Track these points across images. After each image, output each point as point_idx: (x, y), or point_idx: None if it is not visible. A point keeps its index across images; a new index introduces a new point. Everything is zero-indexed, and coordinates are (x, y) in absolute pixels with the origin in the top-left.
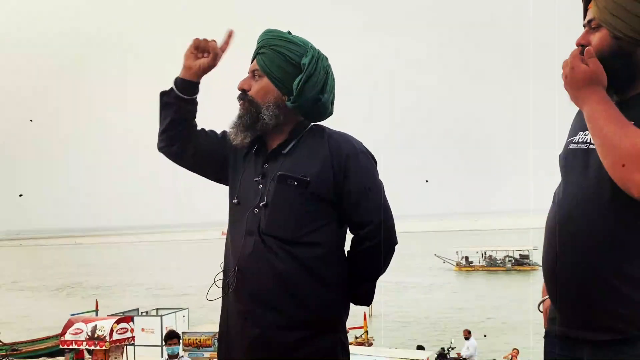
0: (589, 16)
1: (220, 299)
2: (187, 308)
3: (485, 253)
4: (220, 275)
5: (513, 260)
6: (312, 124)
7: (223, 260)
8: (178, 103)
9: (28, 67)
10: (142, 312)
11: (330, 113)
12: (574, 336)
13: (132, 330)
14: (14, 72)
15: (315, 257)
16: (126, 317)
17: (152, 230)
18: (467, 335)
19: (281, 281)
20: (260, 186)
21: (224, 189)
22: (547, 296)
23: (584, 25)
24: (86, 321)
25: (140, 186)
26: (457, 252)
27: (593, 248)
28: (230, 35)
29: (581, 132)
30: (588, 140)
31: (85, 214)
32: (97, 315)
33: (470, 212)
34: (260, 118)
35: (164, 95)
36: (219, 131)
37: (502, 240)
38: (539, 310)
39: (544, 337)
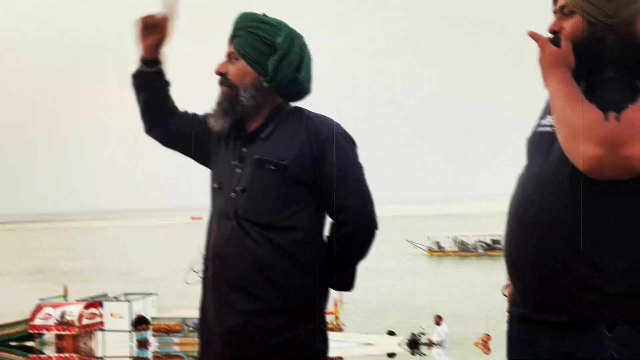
0: (561, 2)
1: (201, 285)
2: (157, 294)
3: (456, 238)
4: (198, 260)
5: (485, 245)
6: (292, 106)
7: (204, 244)
8: (146, 81)
9: (25, 61)
10: (111, 297)
11: (308, 91)
12: (535, 319)
13: (101, 316)
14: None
15: (293, 241)
16: (95, 302)
17: (124, 215)
18: (439, 320)
19: (258, 267)
20: (238, 170)
21: (193, 173)
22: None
23: (555, 12)
24: (55, 306)
25: (111, 170)
26: (428, 237)
27: (551, 230)
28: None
29: (549, 116)
30: (553, 124)
31: (59, 198)
32: (66, 300)
33: (446, 197)
34: (239, 100)
35: (133, 77)
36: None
37: (477, 226)
38: (503, 294)
39: (507, 321)
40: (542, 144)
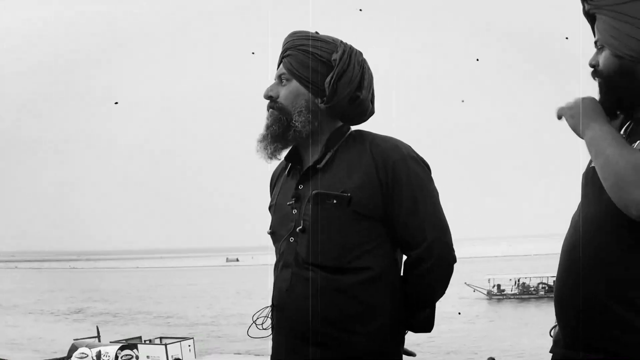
0: (595, 37)
1: (272, 335)
2: (193, 338)
3: (518, 280)
4: (262, 312)
5: (546, 287)
6: (353, 130)
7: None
8: None
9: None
10: (145, 340)
11: (372, 112)
12: (574, 357)
13: (137, 358)
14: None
15: (365, 284)
16: (130, 344)
17: (149, 255)
18: None
19: (327, 315)
20: (295, 211)
21: (228, 213)
22: None
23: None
24: (90, 346)
25: (131, 210)
26: (488, 279)
27: (595, 271)
28: None
29: None
30: None
31: (77, 236)
32: (99, 341)
33: (503, 236)
34: (292, 125)
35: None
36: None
37: (539, 266)
38: (550, 335)
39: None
40: (594, 181)
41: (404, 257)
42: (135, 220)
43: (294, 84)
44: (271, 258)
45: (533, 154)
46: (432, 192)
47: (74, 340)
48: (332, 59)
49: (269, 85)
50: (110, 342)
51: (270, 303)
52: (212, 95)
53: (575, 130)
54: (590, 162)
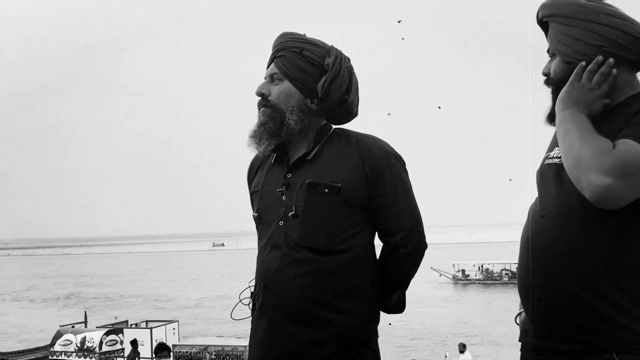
0: (548, 46)
1: (252, 317)
2: (177, 321)
3: (482, 266)
4: (246, 292)
5: (510, 274)
6: (335, 127)
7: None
8: None
9: (24, 75)
10: (131, 325)
11: (356, 114)
12: (545, 347)
13: (121, 343)
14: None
15: (348, 266)
16: (115, 329)
17: (139, 240)
18: (462, 349)
19: (313, 295)
20: (284, 197)
21: (215, 200)
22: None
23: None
24: (75, 332)
25: (123, 197)
26: (453, 265)
27: (563, 261)
28: None
29: (557, 148)
30: (561, 156)
31: (70, 223)
32: (86, 327)
33: (469, 224)
34: (285, 123)
35: None
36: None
37: (501, 253)
38: (516, 323)
39: (520, 349)
40: (551, 176)
41: (381, 244)
42: (127, 208)
43: (286, 84)
44: (253, 242)
45: (496, 146)
46: (409, 185)
47: (60, 326)
48: (325, 63)
49: (260, 84)
50: (97, 327)
51: (254, 284)
52: (212, 88)
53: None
54: (545, 158)
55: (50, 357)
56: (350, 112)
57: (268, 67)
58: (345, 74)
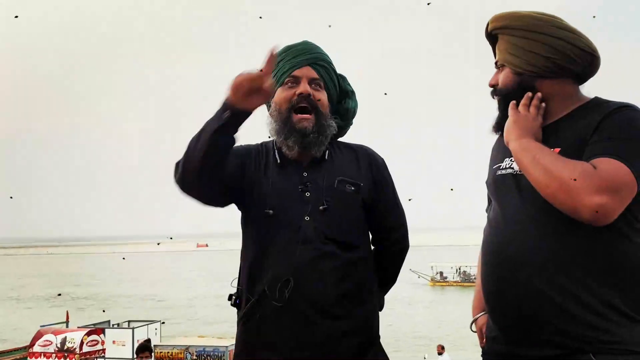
0: (495, 58)
1: (259, 315)
2: (160, 321)
3: (459, 268)
4: (278, 285)
5: None
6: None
7: (242, 274)
8: (230, 142)
9: (19, 73)
10: (113, 325)
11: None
12: (521, 354)
13: (102, 343)
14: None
15: (364, 261)
16: (97, 329)
17: (121, 241)
18: (441, 350)
19: (343, 288)
20: (307, 194)
21: (186, 203)
22: (479, 315)
23: (495, 68)
24: (56, 333)
25: (116, 196)
26: (431, 267)
27: (533, 267)
28: (272, 55)
29: (507, 159)
30: (513, 167)
31: (52, 223)
32: (67, 327)
33: (447, 227)
34: (330, 132)
35: (218, 132)
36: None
37: (475, 256)
38: (471, 329)
39: (482, 356)
40: (507, 186)
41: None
42: (111, 208)
43: (324, 94)
44: (237, 243)
45: (471, 148)
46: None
47: (41, 326)
48: (349, 89)
49: (302, 83)
50: (78, 327)
51: (273, 278)
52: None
53: (507, 140)
54: (496, 169)
55: (29, 359)
56: (345, 134)
57: (294, 68)
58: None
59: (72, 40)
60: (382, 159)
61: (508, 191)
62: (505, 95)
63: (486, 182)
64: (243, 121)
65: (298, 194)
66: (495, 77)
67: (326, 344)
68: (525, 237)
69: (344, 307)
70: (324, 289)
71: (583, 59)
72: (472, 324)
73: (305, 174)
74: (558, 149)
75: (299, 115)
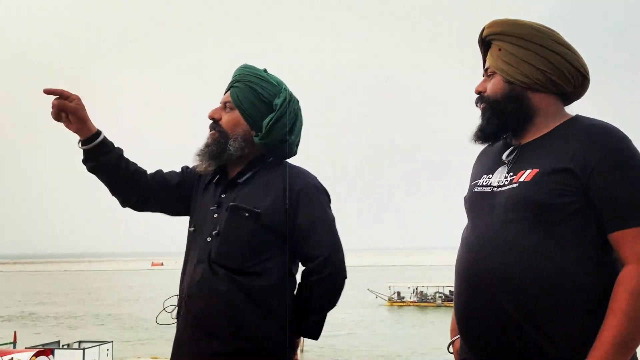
0: (486, 65)
1: (176, 326)
2: (112, 341)
3: (416, 289)
4: (170, 301)
5: (443, 297)
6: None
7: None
8: (97, 158)
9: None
10: (63, 345)
11: (293, 154)
12: None
13: None
14: None
15: (262, 287)
16: (46, 350)
17: (77, 258)
18: None
19: (226, 310)
20: (215, 215)
21: (153, 218)
22: (456, 337)
23: (483, 75)
24: (2, 353)
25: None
26: (389, 287)
27: (503, 290)
28: (49, 92)
29: (484, 176)
30: (491, 184)
31: (12, 240)
32: (14, 347)
33: (405, 247)
34: (227, 149)
35: (84, 163)
36: (178, 169)
37: (435, 276)
38: (449, 351)
39: None
40: (482, 204)
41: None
42: (60, 224)
43: (236, 113)
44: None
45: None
46: (329, 216)
47: None
48: (274, 103)
49: (214, 108)
50: (26, 347)
51: (178, 293)
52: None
53: None
54: (474, 186)
55: None
56: (288, 151)
57: (224, 94)
58: (290, 115)
59: (55, 48)
60: (307, 184)
61: (482, 209)
62: (493, 103)
63: (464, 199)
64: (90, 144)
65: (210, 213)
66: (483, 84)
67: None
68: (490, 257)
69: (226, 328)
70: (207, 308)
71: (575, 79)
72: (449, 346)
73: (222, 196)
74: (536, 170)
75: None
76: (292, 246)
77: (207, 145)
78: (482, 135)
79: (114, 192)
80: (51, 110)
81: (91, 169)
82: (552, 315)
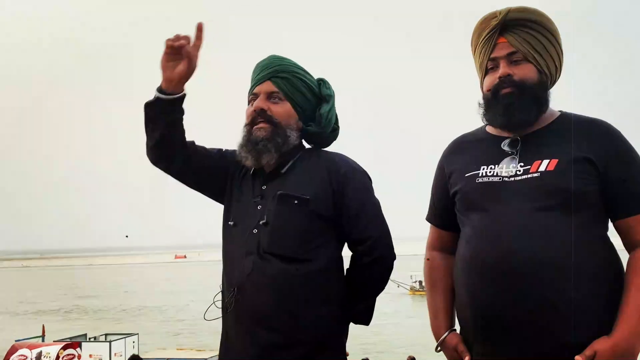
0: (507, 49)
1: (222, 321)
2: (137, 334)
3: None
4: (219, 296)
5: None
6: (306, 146)
7: (223, 280)
8: (164, 110)
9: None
10: (90, 338)
11: (335, 140)
12: None
13: (79, 357)
14: None
15: (315, 275)
16: (73, 343)
17: (100, 253)
18: None
19: (280, 300)
20: (259, 207)
21: (175, 212)
22: (446, 334)
23: (498, 58)
24: (31, 347)
25: (90, 208)
26: (411, 276)
27: (543, 277)
28: (200, 29)
29: (485, 167)
30: (498, 174)
31: (27, 236)
32: (43, 340)
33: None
34: (288, 141)
35: (149, 107)
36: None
37: None
38: (438, 351)
39: None
40: (493, 194)
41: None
42: (82, 220)
43: (288, 105)
44: (215, 254)
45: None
46: (374, 198)
47: (16, 341)
48: (326, 94)
49: (256, 100)
50: (54, 341)
51: (223, 288)
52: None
53: None
54: (475, 177)
55: None
56: (334, 139)
57: (257, 84)
58: (335, 105)
59: (58, 52)
60: (351, 168)
61: (492, 200)
62: (529, 89)
63: (459, 190)
64: (174, 96)
65: (252, 205)
66: (510, 68)
67: (262, 354)
68: (528, 247)
69: (280, 319)
70: (261, 300)
71: (555, 78)
72: (437, 347)
73: (263, 187)
74: (556, 160)
75: (255, 126)
76: (341, 230)
77: (268, 139)
78: (512, 120)
79: (165, 150)
80: (175, 45)
81: (154, 115)
82: (591, 299)
